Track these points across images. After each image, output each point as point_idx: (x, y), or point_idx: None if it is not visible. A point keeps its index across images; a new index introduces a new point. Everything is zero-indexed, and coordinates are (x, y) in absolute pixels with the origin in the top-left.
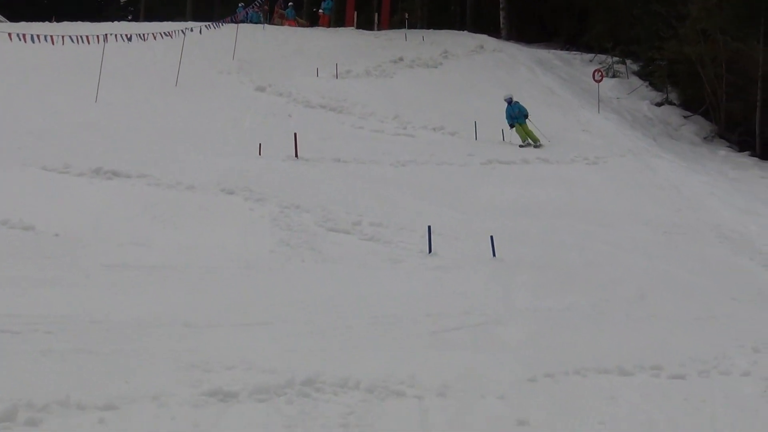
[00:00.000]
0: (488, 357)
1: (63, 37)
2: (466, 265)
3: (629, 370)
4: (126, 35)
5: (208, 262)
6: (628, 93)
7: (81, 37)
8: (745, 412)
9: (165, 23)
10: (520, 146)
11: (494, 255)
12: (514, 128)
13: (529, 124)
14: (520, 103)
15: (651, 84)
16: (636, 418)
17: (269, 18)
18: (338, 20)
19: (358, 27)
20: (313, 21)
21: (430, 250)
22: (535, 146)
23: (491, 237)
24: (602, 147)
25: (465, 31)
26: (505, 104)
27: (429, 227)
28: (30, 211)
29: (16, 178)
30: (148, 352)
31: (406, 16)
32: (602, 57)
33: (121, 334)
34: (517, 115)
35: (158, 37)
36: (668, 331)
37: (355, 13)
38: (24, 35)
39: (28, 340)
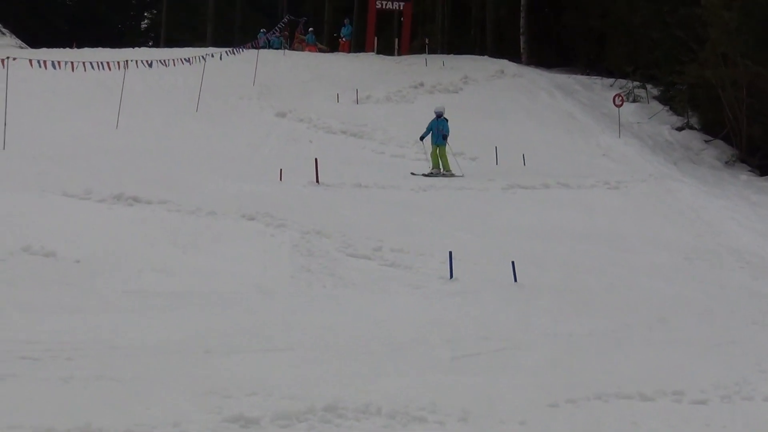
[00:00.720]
0: (508, 382)
1: (84, 63)
2: (487, 290)
3: (650, 395)
4: (147, 61)
5: (228, 288)
6: (648, 117)
7: (102, 63)
8: None
9: (185, 49)
10: (426, 174)
11: (516, 280)
12: (431, 150)
13: (447, 148)
14: (448, 122)
15: (672, 108)
16: None
17: (290, 43)
18: (358, 45)
19: (379, 52)
20: (333, 46)
21: (451, 275)
22: (445, 175)
23: (512, 262)
24: (623, 172)
25: (485, 56)
26: (433, 116)
27: (450, 252)
28: (51, 238)
29: (37, 204)
30: (169, 379)
31: (427, 41)
32: (622, 81)
33: (141, 360)
34: (439, 134)
35: (179, 62)
36: (689, 356)
37: (376, 38)
38: (45, 62)
39: (48, 366)
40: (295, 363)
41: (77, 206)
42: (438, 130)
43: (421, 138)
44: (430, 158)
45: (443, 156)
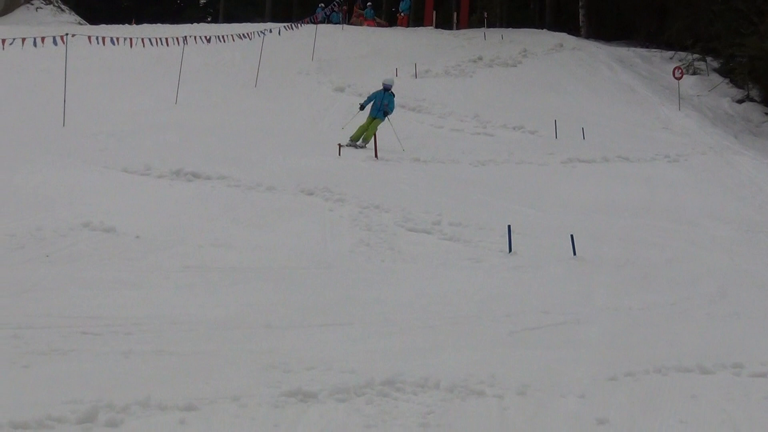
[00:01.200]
0: (568, 356)
1: (142, 39)
2: (546, 264)
3: (710, 368)
4: (205, 37)
5: (287, 263)
6: (708, 90)
7: (160, 39)
8: None
9: (244, 24)
10: (348, 145)
11: (575, 254)
12: (368, 118)
13: (383, 126)
14: (393, 97)
15: (732, 81)
16: (717, 416)
17: (348, 18)
18: (417, 20)
19: (437, 26)
20: (391, 21)
21: (510, 249)
22: (358, 145)
23: (571, 236)
24: (683, 144)
25: (544, 30)
26: (381, 88)
27: (509, 226)
28: (111, 214)
29: (97, 180)
30: (228, 353)
31: (485, 14)
32: (682, 54)
33: (201, 335)
34: (381, 108)
35: (237, 38)
36: (750, 329)
37: (434, 12)
38: (103, 38)
39: (108, 341)
40: (354, 337)
41: (137, 182)
42: (380, 104)
43: (362, 107)
44: (359, 130)
45: (372, 129)
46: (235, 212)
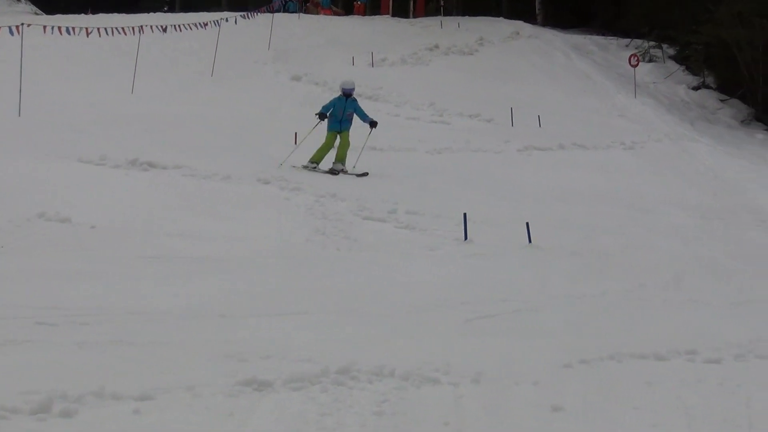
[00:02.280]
0: (523, 344)
1: (98, 29)
2: (502, 252)
3: (665, 355)
4: (161, 26)
5: (244, 253)
6: (664, 77)
7: (117, 28)
8: None
9: (200, 14)
10: (307, 166)
11: (530, 241)
12: (328, 135)
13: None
14: (357, 102)
15: (687, 68)
16: (671, 403)
17: (305, 7)
18: (373, 8)
19: (394, 15)
20: (348, 9)
21: (465, 237)
22: (338, 170)
23: (527, 223)
24: (639, 132)
25: (501, 18)
26: (339, 93)
27: (465, 214)
28: (66, 204)
29: (52, 170)
30: (184, 343)
31: (442, 3)
32: (638, 42)
33: (157, 325)
34: (344, 117)
35: (193, 27)
36: (704, 316)
37: (391, 0)
38: (59, 28)
39: (64, 332)
40: (310, 326)
41: (92, 172)
42: (342, 114)
43: (320, 116)
44: (318, 150)
45: (344, 144)
46: (192, 202)
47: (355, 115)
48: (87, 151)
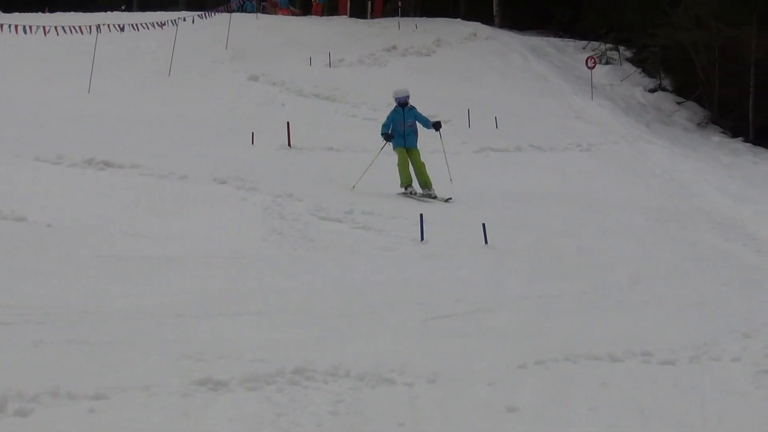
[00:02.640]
0: (479, 344)
1: (56, 27)
2: (459, 252)
3: (620, 356)
4: (119, 25)
5: (200, 252)
6: (621, 80)
7: (74, 27)
8: (734, 398)
9: (158, 13)
10: (405, 193)
11: (486, 242)
12: (397, 151)
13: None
14: (417, 109)
15: (644, 71)
16: (626, 404)
17: (262, 7)
18: (331, 8)
19: (351, 15)
20: (306, 9)
21: (422, 238)
22: (429, 195)
23: (483, 224)
24: (595, 134)
25: (458, 19)
26: (394, 104)
27: (421, 215)
28: (22, 202)
29: (8, 169)
30: (140, 343)
31: (399, 4)
32: (595, 44)
33: (113, 324)
34: (406, 130)
35: (151, 27)
36: (659, 317)
37: (349, 1)
38: (16, 26)
39: (19, 331)
40: (266, 326)
41: (49, 171)
42: (403, 127)
43: (386, 137)
44: (400, 171)
45: (418, 165)
46: (148, 201)
47: (417, 123)
48: (43, 149)
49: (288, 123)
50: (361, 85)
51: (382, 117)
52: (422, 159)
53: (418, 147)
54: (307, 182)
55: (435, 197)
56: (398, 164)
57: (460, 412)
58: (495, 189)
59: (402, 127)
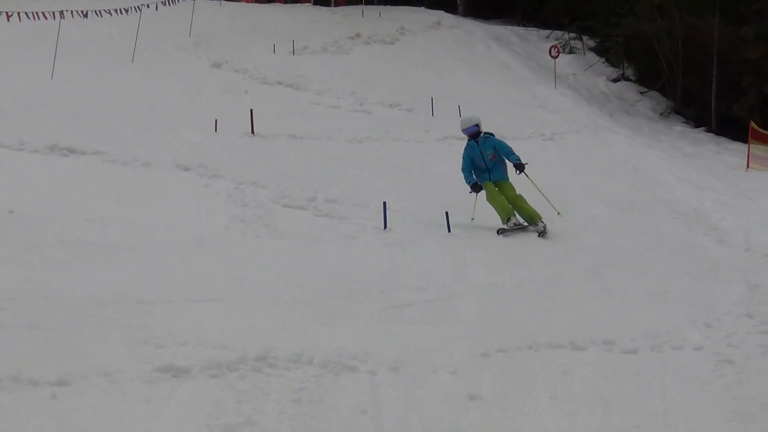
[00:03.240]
0: (441, 332)
1: (18, 13)
2: (421, 240)
3: (581, 344)
4: (82, 12)
5: (162, 239)
6: (584, 69)
7: (37, 13)
8: (696, 387)
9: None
10: (509, 227)
11: (449, 231)
12: (483, 186)
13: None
14: (496, 136)
15: (607, 60)
16: (588, 392)
17: None
18: None
19: (315, 3)
20: None
21: (385, 226)
22: (536, 229)
23: (446, 213)
24: (558, 123)
25: (422, 7)
26: (465, 138)
27: (384, 203)
28: None
29: None
30: (101, 329)
31: None
32: (559, 33)
33: (74, 310)
34: (488, 164)
35: (114, 13)
36: (621, 307)
37: None
38: None
39: None
40: (228, 313)
41: (11, 157)
42: (484, 161)
43: (474, 188)
44: (494, 206)
45: (515, 200)
46: (111, 188)
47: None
48: (6, 135)
49: (251, 110)
50: (324, 72)
51: (346, 105)
52: (518, 192)
53: (510, 180)
54: (270, 170)
55: (545, 232)
56: (488, 200)
57: (422, 399)
58: (458, 177)
59: (481, 161)
